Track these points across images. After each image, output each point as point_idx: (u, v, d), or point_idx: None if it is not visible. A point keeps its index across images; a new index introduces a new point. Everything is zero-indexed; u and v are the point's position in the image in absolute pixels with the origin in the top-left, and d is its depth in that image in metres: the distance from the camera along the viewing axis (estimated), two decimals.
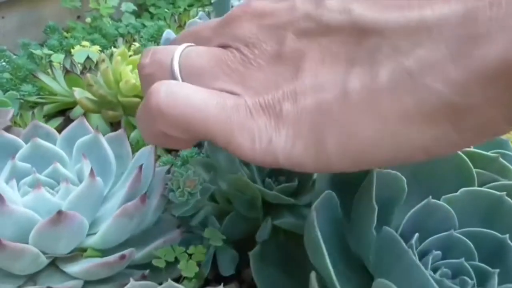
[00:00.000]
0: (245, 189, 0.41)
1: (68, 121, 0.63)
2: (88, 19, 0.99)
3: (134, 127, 0.60)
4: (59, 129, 0.55)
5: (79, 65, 0.67)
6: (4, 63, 0.80)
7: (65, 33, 0.95)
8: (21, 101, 0.68)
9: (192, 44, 0.31)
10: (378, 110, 0.25)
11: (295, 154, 0.26)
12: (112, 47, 0.90)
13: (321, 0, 0.27)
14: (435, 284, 0.30)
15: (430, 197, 0.36)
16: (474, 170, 0.38)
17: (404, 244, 0.32)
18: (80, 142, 0.43)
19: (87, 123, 0.45)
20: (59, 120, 0.62)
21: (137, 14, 1.10)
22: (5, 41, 0.90)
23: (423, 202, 0.36)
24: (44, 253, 0.35)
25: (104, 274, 0.36)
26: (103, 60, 0.53)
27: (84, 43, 0.84)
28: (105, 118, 0.54)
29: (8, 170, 0.40)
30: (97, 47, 0.82)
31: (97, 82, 0.53)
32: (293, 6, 0.28)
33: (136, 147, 0.59)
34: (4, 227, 0.34)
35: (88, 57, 0.69)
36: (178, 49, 0.30)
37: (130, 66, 0.52)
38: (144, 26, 1.04)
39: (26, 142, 0.43)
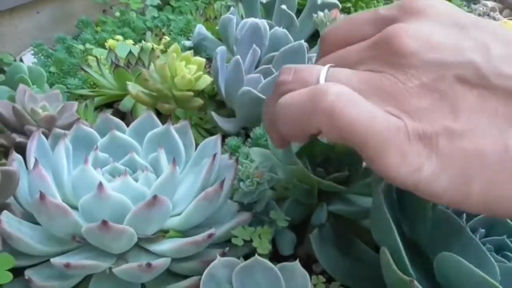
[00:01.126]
0: (303, 178, 0.45)
1: (117, 113, 0.67)
2: (117, 13, 1.03)
3: (179, 119, 0.64)
4: None
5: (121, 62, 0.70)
6: (42, 57, 0.84)
7: (95, 27, 0.98)
8: (68, 94, 0.71)
9: (334, 65, 0.32)
10: None
11: (436, 186, 0.29)
12: (142, 41, 0.94)
13: (490, 55, 0.29)
14: (491, 258, 0.35)
15: None
16: None
17: (460, 221, 0.36)
18: (152, 134, 0.47)
19: (154, 116, 0.49)
20: (108, 112, 0.66)
21: (159, 8, 1.13)
22: (40, 35, 0.94)
23: None
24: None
25: (191, 251, 0.40)
26: (158, 56, 0.57)
27: (117, 37, 0.88)
28: (160, 111, 0.58)
29: (91, 160, 0.44)
30: (130, 41, 0.86)
31: (151, 77, 0.56)
32: (461, 48, 0.30)
33: None
34: (102, 210, 0.38)
35: (130, 52, 0.72)
36: (324, 69, 0.32)
37: (184, 62, 0.56)
38: (169, 19, 1.07)
39: (99, 133, 0.48)
